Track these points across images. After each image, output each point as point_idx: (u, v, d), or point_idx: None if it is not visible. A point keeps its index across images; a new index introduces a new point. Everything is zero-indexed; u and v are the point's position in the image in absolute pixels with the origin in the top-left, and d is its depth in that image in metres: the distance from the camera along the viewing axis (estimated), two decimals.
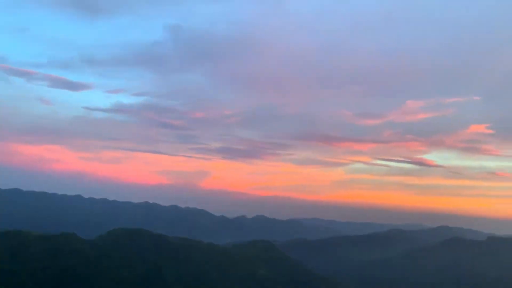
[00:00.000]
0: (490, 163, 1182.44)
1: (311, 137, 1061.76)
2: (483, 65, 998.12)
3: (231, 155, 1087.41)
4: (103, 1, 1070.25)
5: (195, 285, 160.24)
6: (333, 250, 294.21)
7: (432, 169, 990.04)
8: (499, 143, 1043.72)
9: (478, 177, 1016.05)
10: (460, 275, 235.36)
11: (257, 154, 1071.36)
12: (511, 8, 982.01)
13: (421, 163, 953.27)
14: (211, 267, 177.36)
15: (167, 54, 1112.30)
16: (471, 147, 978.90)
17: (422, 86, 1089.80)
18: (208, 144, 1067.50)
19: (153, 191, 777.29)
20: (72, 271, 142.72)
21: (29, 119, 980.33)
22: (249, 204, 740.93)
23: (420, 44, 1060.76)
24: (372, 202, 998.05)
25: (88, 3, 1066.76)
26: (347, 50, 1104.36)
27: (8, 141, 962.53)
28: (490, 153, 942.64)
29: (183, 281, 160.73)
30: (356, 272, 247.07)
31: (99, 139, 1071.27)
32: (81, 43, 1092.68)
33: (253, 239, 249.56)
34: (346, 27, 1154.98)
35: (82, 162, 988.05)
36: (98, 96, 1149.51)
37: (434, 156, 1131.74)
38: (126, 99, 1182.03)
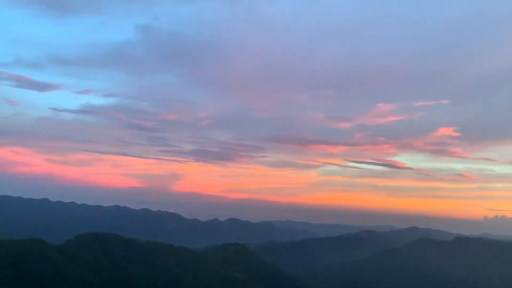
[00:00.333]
0: (457, 165, 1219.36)
1: (285, 140, 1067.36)
2: (452, 69, 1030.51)
3: (204, 157, 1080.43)
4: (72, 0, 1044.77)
5: None
6: (306, 252, 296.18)
7: (402, 171, 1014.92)
8: (466, 146, 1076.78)
9: (446, 179, 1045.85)
10: (428, 275, 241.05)
11: (230, 156, 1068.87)
12: (479, 13, 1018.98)
13: (391, 165, 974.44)
14: (183, 271, 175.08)
15: (138, 55, 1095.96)
16: (439, 149, 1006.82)
17: (393, 89, 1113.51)
18: (180, 147, 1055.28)
19: (124, 194, 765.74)
20: (39, 277, 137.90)
21: None
22: (222, 207, 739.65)
23: (391, 48, 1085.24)
24: (344, 204, 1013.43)
25: (57, 1, 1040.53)
26: (319, 54, 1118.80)
27: None
28: (458, 156, 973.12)
29: (154, 286, 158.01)
30: (328, 274, 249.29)
31: (67, 141, 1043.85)
32: (48, 42, 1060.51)
33: (226, 242, 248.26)
34: (318, 31, 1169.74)
35: (49, 164, 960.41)
36: (66, 97, 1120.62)
37: (404, 158, 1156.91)
38: (96, 100, 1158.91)
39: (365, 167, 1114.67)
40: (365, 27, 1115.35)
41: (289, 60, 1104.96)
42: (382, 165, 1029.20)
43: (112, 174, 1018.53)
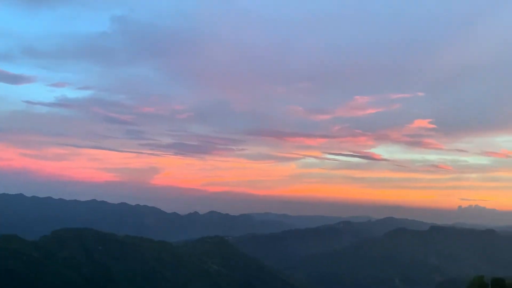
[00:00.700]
0: (432, 157, 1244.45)
1: (263, 133, 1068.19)
2: (428, 62, 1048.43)
3: (183, 151, 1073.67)
4: None
5: (146, 284, 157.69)
6: (285, 244, 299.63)
7: (379, 162, 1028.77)
8: (440, 137, 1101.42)
9: (421, 170, 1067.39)
10: (403, 263, 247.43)
11: (209, 149, 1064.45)
12: (452, 6, 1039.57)
13: (368, 157, 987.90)
14: (162, 265, 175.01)
15: (114, 47, 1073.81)
16: (415, 141, 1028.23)
17: (370, 82, 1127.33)
18: (158, 140, 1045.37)
19: (101, 188, 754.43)
20: (14, 274, 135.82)
21: None
22: (201, 200, 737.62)
23: (368, 41, 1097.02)
24: (322, 196, 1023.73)
25: None
26: (297, 47, 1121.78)
27: None
28: (433, 147, 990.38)
29: (134, 281, 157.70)
30: (307, 265, 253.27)
31: (42, 134, 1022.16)
32: (21, 33, 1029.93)
33: (206, 235, 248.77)
34: (296, 24, 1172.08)
35: (23, 159, 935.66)
36: (41, 90, 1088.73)
37: (380, 150, 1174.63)
38: (71, 93, 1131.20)
39: (343, 159, 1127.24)
40: (343, 21, 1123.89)
41: (267, 53, 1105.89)
42: (359, 157, 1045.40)
43: (89, 168, 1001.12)
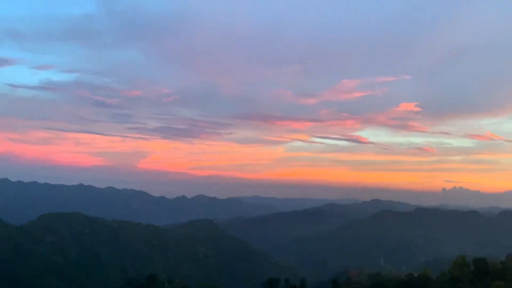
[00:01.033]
0: (417, 139, 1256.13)
1: (251, 116, 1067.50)
2: (415, 45, 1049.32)
3: (170, 134, 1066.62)
4: None
5: (135, 268, 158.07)
6: (272, 226, 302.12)
7: (365, 145, 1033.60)
8: (426, 120, 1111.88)
9: (406, 153, 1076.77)
10: (388, 244, 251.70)
11: (197, 133, 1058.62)
12: None
13: (355, 140, 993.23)
14: (151, 249, 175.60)
15: (100, 29, 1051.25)
16: (401, 124, 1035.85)
17: (357, 65, 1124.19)
18: (145, 124, 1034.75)
19: (88, 173, 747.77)
20: None
21: None
22: (189, 184, 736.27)
23: (356, 24, 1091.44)
24: (310, 179, 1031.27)
25: None
26: (285, 29, 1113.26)
27: None
28: (418, 130, 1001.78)
29: (122, 265, 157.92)
30: (294, 247, 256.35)
31: (26, 118, 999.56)
32: (4, 15, 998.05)
33: (194, 219, 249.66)
34: (283, 6, 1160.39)
35: (8, 143, 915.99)
36: (24, 73, 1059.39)
37: (367, 133, 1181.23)
38: (56, 76, 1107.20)
39: (330, 142, 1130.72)
40: (331, 3, 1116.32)
41: (255, 36, 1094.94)
42: (346, 140, 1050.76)
43: (75, 152, 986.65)
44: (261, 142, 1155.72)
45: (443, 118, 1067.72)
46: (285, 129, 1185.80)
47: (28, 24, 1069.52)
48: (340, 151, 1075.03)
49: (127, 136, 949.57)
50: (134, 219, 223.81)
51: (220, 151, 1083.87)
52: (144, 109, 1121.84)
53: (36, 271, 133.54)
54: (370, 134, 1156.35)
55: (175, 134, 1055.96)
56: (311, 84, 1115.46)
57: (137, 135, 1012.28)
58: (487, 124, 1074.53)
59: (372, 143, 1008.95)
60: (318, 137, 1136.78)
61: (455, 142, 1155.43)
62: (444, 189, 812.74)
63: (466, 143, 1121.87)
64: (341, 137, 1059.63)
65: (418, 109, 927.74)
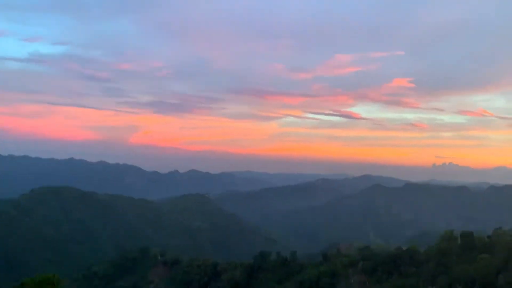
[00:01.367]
0: (409, 115, 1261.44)
1: (244, 91, 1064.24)
2: (408, 20, 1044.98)
3: (162, 109, 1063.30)
4: None
5: (128, 241, 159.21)
6: (264, 201, 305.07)
7: (358, 121, 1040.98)
8: (418, 96, 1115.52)
9: (398, 128, 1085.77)
10: (378, 219, 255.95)
11: (190, 108, 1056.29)
12: None
13: (348, 116, 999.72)
14: (144, 222, 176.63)
15: (90, 0, 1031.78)
16: (393, 100, 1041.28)
17: (350, 40, 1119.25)
18: (137, 98, 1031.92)
19: (79, 147, 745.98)
20: None
21: None
22: (182, 159, 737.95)
23: None
24: (302, 154, 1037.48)
25: None
26: (279, 4, 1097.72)
27: None
28: (410, 106, 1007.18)
29: (114, 238, 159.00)
30: (285, 221, 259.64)
31: (15, 91, 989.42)
32: None
33: (187, 193, 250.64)
34: None
35: None
36: (12, 45, 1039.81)
37: (359, 109, 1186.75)
38: (45, 48, 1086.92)
39: (323, 118, 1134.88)
40: None
41: (249, 9, 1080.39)
42: (339, 115, 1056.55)
43: (66, 126, 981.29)
44: (254, 118, 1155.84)
45: (436, 94, 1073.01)
46: (278, 104, 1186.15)
47: None
48: (332, 127, 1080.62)
49: (118, 111, 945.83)
50: (127, 194, 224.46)
51: (212, 126, 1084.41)
52: (136, 83, 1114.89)
53: (28, 244, 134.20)
54: (363, 110, 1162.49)
55: (167, 109, 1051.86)
56: (304, 59, 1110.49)
57: (129, 109, 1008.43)
58: (480, 100, 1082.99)
59: (364, 119, 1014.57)
60: (310, 112, 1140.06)
61: (447, 118, 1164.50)
62: (434, 164, 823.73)
63: (458, 119, 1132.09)
64: (334, 112, 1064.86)
65: (411, 85, 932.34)
